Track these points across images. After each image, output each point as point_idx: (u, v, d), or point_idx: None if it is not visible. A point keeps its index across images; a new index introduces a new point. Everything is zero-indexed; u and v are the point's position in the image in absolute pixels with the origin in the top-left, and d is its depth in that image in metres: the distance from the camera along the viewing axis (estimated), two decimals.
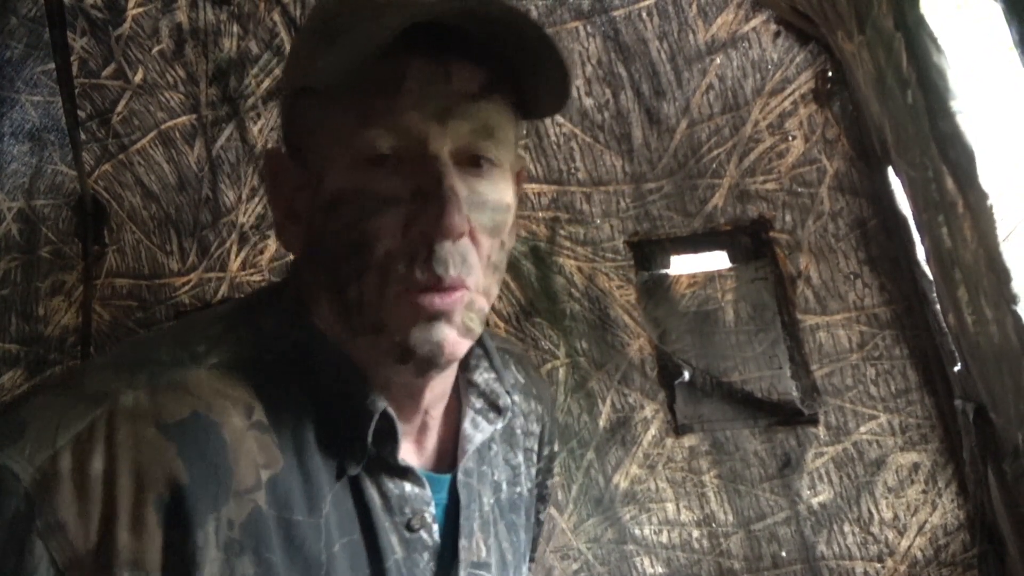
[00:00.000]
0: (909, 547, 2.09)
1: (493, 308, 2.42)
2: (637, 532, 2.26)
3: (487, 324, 0.77)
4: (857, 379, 2.13)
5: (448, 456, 0.82)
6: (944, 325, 1.90)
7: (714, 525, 2.22)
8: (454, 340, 0.69)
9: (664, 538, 2.25)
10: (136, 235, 2.49)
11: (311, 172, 0.71)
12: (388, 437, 0.72)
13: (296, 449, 0.69)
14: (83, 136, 2.38)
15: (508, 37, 0.66)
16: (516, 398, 0.94)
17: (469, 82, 0.67)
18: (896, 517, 2.11)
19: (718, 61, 2.15)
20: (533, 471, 0.96)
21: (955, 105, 1.41)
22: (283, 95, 0.77)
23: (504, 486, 0.89)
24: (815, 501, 2.15)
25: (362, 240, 0.66)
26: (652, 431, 2.26)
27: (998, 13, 1.16)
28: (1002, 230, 1.36)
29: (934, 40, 1.43)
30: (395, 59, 0.65)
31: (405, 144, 0.66)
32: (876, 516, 2.12)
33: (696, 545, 2.23)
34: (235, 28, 2.27)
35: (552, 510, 2.30)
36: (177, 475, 0.62)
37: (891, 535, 2.11)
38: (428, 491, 0.76)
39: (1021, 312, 1.36)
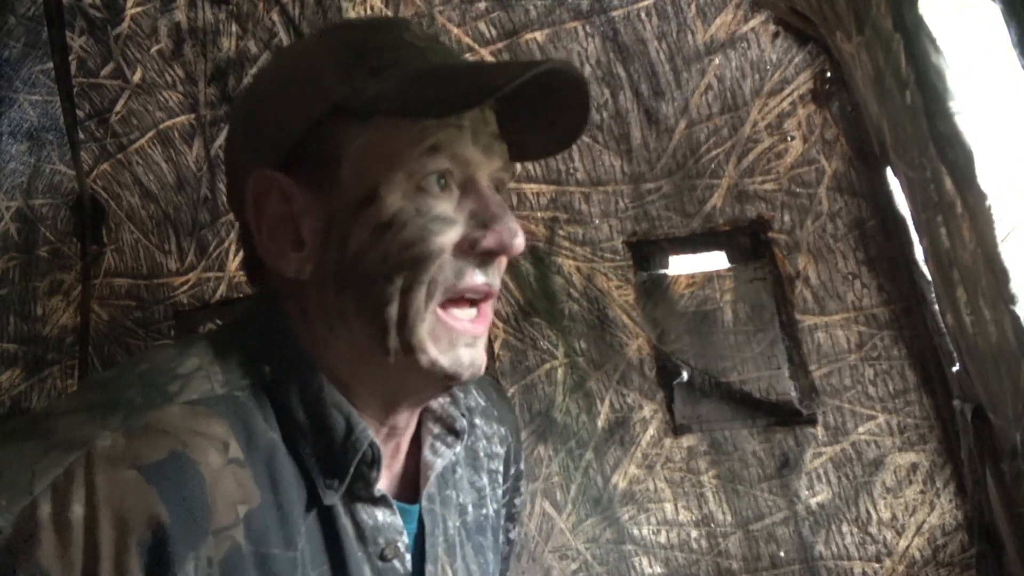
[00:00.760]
0: (907, 547, 2.09)
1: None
2: (635, 532, 2.26)
3: None
4: (855, 379, 2.13)
5: (411, 484, 0.84)
6: (942, 325, 1.90)
7: (712, 525, 2.22)
8: (483, 360, 0.77)
9: (662, 538, 2.25)
10: (135, 235, 2.49)
11: (344, 193, 0.72)
12: (369, 467, 0.74)
13: (271, 482, 0.69)
14: (81, 135, 2.37)
15: (555, 94, 0.77)
16: (477, 421, 0.97)
17: (494, 125, 0.78)
18: (894, 517, 2.11)
19: (717, 61, 2.15)
20: (499, 491, 0.98)
21: (954, 106, 1.41)
22: (289, 116, 0.75)
23: (470, 508, 0.91)
24: (813, 501, 2.15)
25: (421, 257, 0.71)
26: (651, 431, 2.26)
27: (997, 14, 1.16)
28: (1000, 231, 1.36)
29: (933, 41, 1.43)
30: (480, 97, 0.72)
31: (462, 173, 0.75)
32: (874, 516, 2.12)
33: (694, 545, 2.23)
34: (234, 28, 2.26)
35: (551, 510, 2.30)
36: (159, 516, 0.61)
37: (889, 535, 2.11)
38: (400, 520, 0.77)
39: (1019, 312, 1.36)
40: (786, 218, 2.16)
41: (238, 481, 0.67)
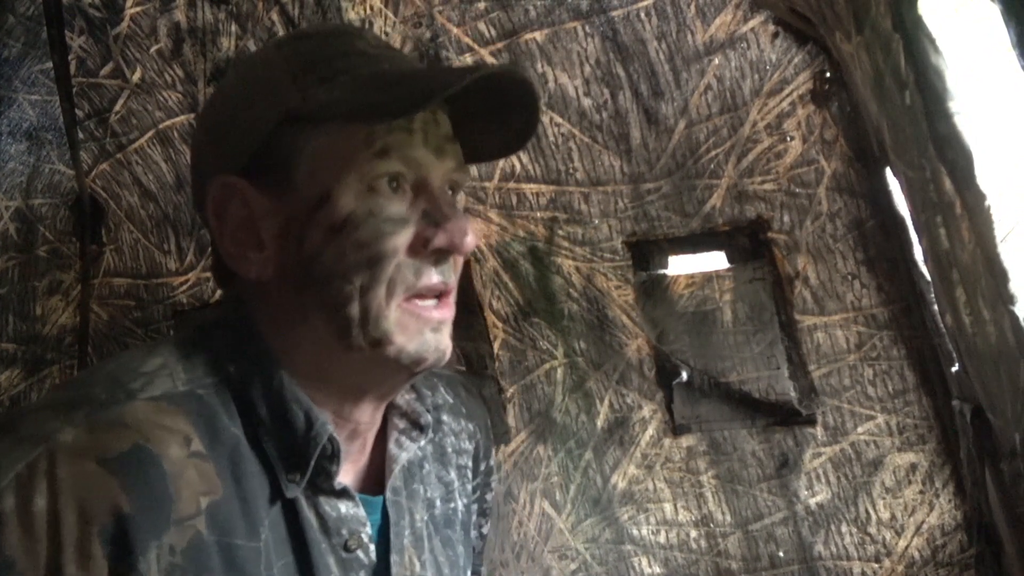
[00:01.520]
0: (906, 547, 2.09)
1: (492, 308, 2.42)
2: (635, 532, 2.27)
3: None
4: (855, 379, 2.13)
5: (377, 477, 0.86)
6: (942, 326, 1.90)
7: (712, 525, 2.22)
8: (448, 346, 0.79)
9: (662, 538, 2.25)
10: (134, 234, 2.49)
11: (300, 196, 0.75)
12: (329, 461, 0.76)
13: (234, 475, 0.71)
14: (81, 135, 2.37)
15: (501, 97, 0.80)
16: (445, 417, 0.99)
17: (446, 126, 0.81)
18: (893, 517, 2.11)
19: (716, 62, 2.15)
20: (469, 487, 1.00)
21: (953, 106, 1.41)
22: (245, 124, 0.78)
23: (438, 502, 0.93)
24: (813, 501, 2.15)
25: (376, 257, 0.74)
26: (650, 431, 2.26)
27: (996, 14, 1.16)
28: (1000, 231, 1.36)
29: (932, 41, 1.43)
30: (425, 101, 0.74)
31: (414, 174, 0.77)
32: (873, 516, 2.12)
33: (694, 545, 2.23)
34: (233, 27, 2.26)
35: (550, 510, 2.30)
36: (120, 506, 0.63)
37: (888, 535, 2.11)
38: (363, 511, 0.79)
39: (1019, 312, 1.37)
40: (785, 218, 2.16)
41: (200, 473, 0.69)
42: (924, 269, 1.91)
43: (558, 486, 2.30)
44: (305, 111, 0.75)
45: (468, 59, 2.21)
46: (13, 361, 2.41)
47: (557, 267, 2.31)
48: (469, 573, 0.97)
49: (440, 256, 0.77)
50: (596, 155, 2.26)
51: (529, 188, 2.30)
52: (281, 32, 2.26)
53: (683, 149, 2.21)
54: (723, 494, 2.21)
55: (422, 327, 0.76)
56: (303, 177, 0.75)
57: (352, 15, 2.19)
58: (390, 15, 2.20)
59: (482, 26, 2.19)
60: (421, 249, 0.76)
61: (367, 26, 2.19)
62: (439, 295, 0.79)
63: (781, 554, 2.16)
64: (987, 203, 1.36)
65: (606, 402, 2.29)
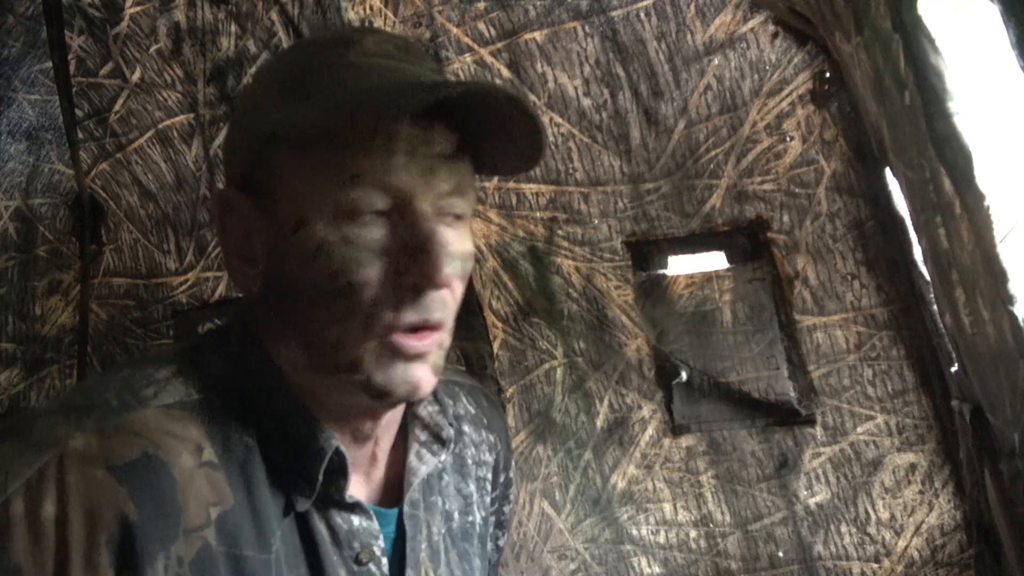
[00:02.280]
0: (906, 547, 2.09)
1: (491, 308, 2.42)
2: (634, 532, 2.26)
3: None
4: (854, 380, 2.13)
5: (395, 489, 0.84)
6: (941, 326, 1.90)
7: (711, 525, 2.22)
8: (428, 379, 0.75)
9: (661, 538, 2.25)
10: (133, 234, 2.49)
11: (280, 219, 0.73)
12: (338, 474, 0.74)
13: (246, 486, 0.71)
14: (80, 135, 2.37)
15: (493, 110, 0.72)
16: (466, 428, 0.97)
17: (446, 145, 0.73)
18: (893, 517, 2.11)
19: (716, 62, 2.15)
20: (488, 499, 0.99)
21: (952, 106, 1.41)
22: (242, 139, 0.77)
23: (456, 515, 0.92)
24: (812, 501, 2.15)
25: (349, 289, 0.70)
26: (649, 431, 2.26)
27: (996, 14, 1.16)
28: (999, 231, 1.36)
29: (932, 41, 1.43)
30: (385, 122, 0.70)
31: (393, 201, 0.71)
32: (873, 516, 2.12)
33: (693, 545, 2.23)
34: (233, 27, 2.26)
35: (550, 510, 2.30)
36: (128, 514, 0.63)
37: (888, 535, 2.11)
38: (376, 524, 0.78)
39: (1018, 313, 1.37)
40: (785, 218, 2.16)
41: (211, 483, 0.68)
42: (924, 269, 1.91)
43: (558, 486, 2.30)
44: (282, 130, 0.72)
45: (468, 59, 2.21)
46: (13, 361, 2.41)
47: (557, 267, 2.31)
48: None
49: (416, 290, 0.71)
50: (596, 155, 2.26)
51: (529, 188, 2.30)
52: (281, 32, 2.26)
53: (683, 149, 2.21)
54: (723, 494, 2.21)
55: (394, 358, 0.72)
56: (282, 200, 0.73)
57: (352, 15, 2.19)
58: (390, 15, 2.20)
59: (482, 26, 2.19)
60: (396, 281, 0.71)
61: (366, 26, 2.18)
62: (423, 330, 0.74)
63: (781, 554, 2.16)
64: (986, 203, 1.36)
65: (606, 402, 2.29)
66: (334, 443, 0.74)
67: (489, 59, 2.21)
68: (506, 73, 2.21)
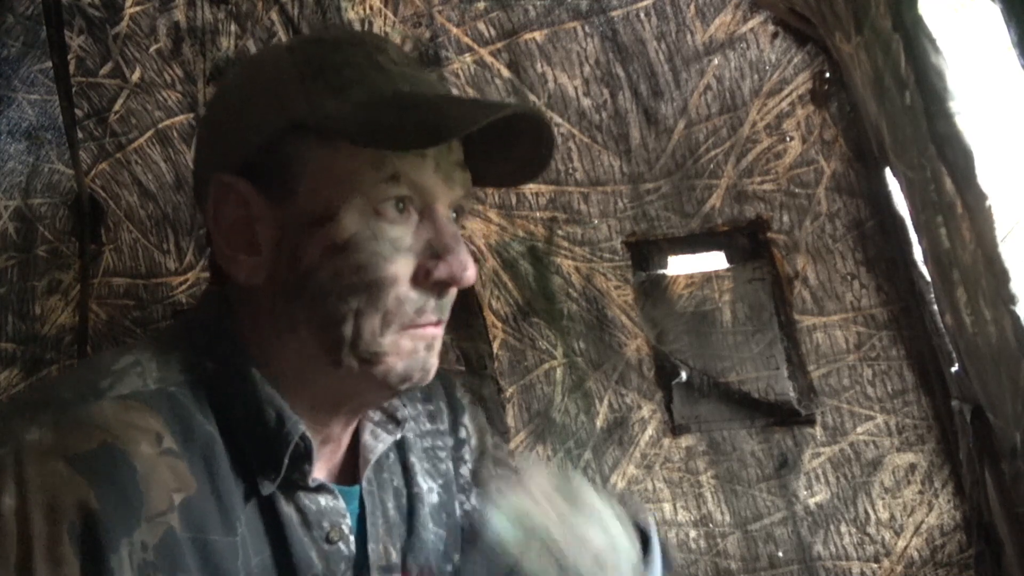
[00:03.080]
0: (905, 547, 2.09)
1: (491, 308, 2.42)
2: None
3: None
4: (854, 380, 2.13)
5: (350, 467, 0.86)
6: (941, 326, 1.90)
7: (711, 525, 2.22)
8: (435, 364, 0.80)
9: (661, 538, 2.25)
10: (133, 234, 2.48)
11: (300, 209, 0.73)
12: (303, 459, 0.75)
13: (208, 472, 0.71)
14: (80, 135, 2.37)
15: (521, 132, 0.78)
16: (426, 424, 0.99)
17: (459, 153, 0.79)
18: (893, 517, 2.11)
19: (716, 62, 2.15)
20: (442, 467, 0.98)
21: (953, 106, 1.41)
22: (248, 124, 0.76)
23: (409, 488, 0.92)
24: (812, 501, 2.15)
25: (375, 282, 0.73)
26: (649, 431, 2.26)
27: (997, 14, 1.16)
28: (1000, 231, 1.36)
29: (932, 41, 1.43)
30: (435, 131, 0.73)
31: (421, 201, 0.76)
32: (873, 516, 2.12)
33: (693, 545, 2.23)
34: (233, 27, 2.26)
35: None
36: (88, 503, 0.63)
37: (888, 535, 2.11)
38: (342, 503, 0.79)
39: (1019, 313, 1.37)
40: (785, 218, 2.16)
41: (172, 471, 0.68)
42: (924, 269, 1.91)
43: None
44: (310, 123, 0.73)
45: (468, 59, 2.21)
46: (12, 361, 2.40)
47: (556, 267, 2.30)
48: (457, 556, 0.95)
49: (442, 288, 0.76)
50: (595, 155, 2.26)
51: (528, 188, 2.29)
52: (281, 32, 2.26)
53: (683, 149, 2.21)
54: (722, 494, 2.21)
55: (417, 345, 0.76)
56: (305, 190, 0.73)
57: (352, 15, 2.19)
58: (390, 15, 2.20)
59: (482, 26, 2.19)
60: (423, 280, 0.75)
61: (366, 26, 2.19)
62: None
63: (780, 554, 2.16)
64: (987, 203, 1.36)
65: (605, 402, 2.29)
66: (300, 427, 0.74)
67: (489, 59, 2.21)
68: (506, 73, 2.21)
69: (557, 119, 2.23)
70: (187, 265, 2.46)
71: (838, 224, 2.13)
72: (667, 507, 2.25)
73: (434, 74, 0.80)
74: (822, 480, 2.15)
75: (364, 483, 0.85)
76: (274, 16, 2.24)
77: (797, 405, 2.15)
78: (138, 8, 2.24)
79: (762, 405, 2.18)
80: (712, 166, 2.19)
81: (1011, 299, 1.36)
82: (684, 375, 2.24)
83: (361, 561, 0.81)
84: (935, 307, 1.90)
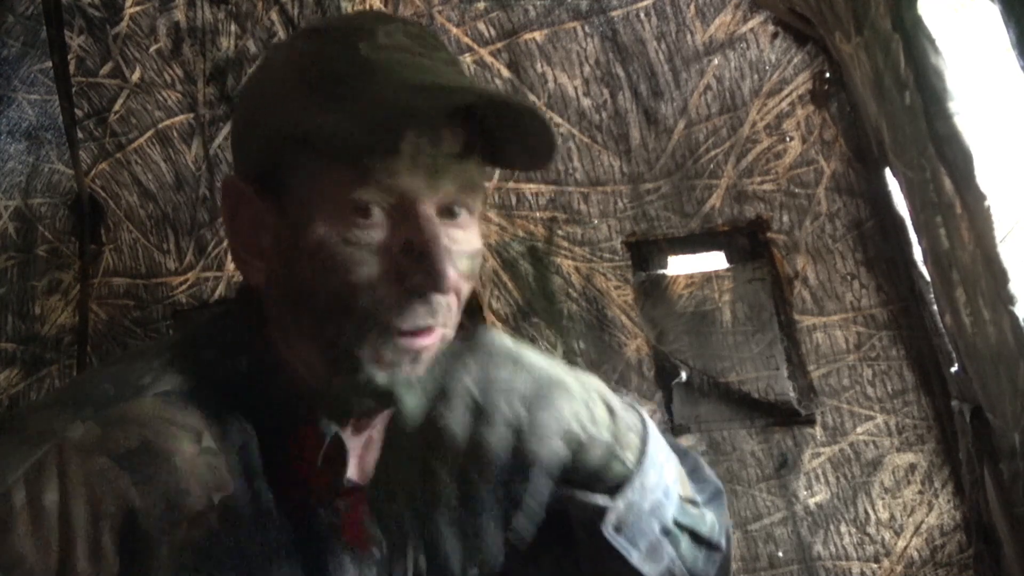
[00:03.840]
0: (905, 547, 2.09)
1: (491, 308, 2.42)
2: None
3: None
4: (854, 380, 2.13)
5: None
6: (941, 326, 1.90)
7: None
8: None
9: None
10: (133, 234, 2.48)
11: (287, 214, 0.73)
12: (337, 461, 0.74)
13: (245, 473, 0.70)
14: (80, 135, 2.37)
15: (505, 112, 0.72)
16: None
17: (455, 143, 0.71)
18: (892, 517, 2.11)
19: (716, 62, 2.15)
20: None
21: (953, 106, 1.41)
22: (258, 132, 0.76)
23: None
24: (812, 501, 2.15)
25: (347, 289, 0.69)
26: None
27: (996, 14, 1.16)
28: (1000, 231, 1.36)
29: (932, 41, 1.43)
30: (404, 133, 0.69)
31: (396, 202, 0.70)
32: (872, 516, 2.12)
33: None
34: (233, 27, 2.26)
35: None
36: (131, 501, 0.63)
37: (887, 535, 2.11)
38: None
39: (1018, 313, 1.37)
40: (785, 218, 2.16)
41: (212, 469, 0.68)
42: (923, 269, 1.91)
43: None
44: (306, 135, 0.71)
45: (468, 59, 2.21)
46: (12, 361, 2.40)
47: (556, 267, 2.30)
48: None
49: (422, 294, 0.70)
50: (595, 155, 2.26)
51: (528, 188, 2.29)
52: (281, 32, 2.26)
53: (682, 149, 2.21)
54: None
55: (400, 358, 0.71)
56: (293, 199, 0.72)
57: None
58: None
59: (482, 26, 2.19)
60: (398, 282, 0.70)
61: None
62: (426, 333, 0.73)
63: (780, 554, 2.16)
64: (987, 203, 1.36)
65: None
66: (332, 429, 0.74)
67: (489, 59, 2.21)
68: (506, 73, 2.21)
69: (557, 119, 2.23)
70: (187, 265, 2.46)
71: (838, 224, 2.13)
72: None
73: (439, 44, 0.72)
74: (822, 480, 2.15)
75: None
76: (274, 16, 2.24)
77: (797, 405, 2.15)
78: (138, 8, 2.24)
79: (762, 405, 2.18)
80: (712, 166, 2.19)
81: (1010, 299, 1.36)
82: (684, 375, 2.24)
83: (391, 565, 0.80)
84: (935, 307, 1.90)
